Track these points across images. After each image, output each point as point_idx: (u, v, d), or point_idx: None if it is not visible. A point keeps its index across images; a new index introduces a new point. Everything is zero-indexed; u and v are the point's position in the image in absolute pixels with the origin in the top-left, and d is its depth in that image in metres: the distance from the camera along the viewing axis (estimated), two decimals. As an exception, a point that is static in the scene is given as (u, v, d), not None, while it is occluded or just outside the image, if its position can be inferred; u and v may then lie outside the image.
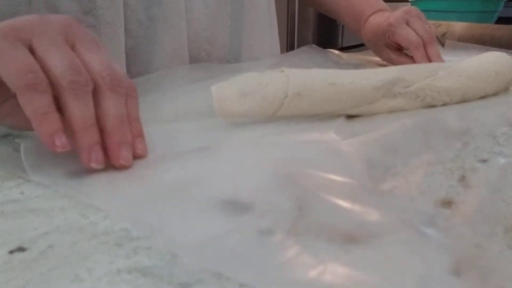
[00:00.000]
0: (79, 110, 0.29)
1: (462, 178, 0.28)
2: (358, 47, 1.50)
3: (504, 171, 0.29)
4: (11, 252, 0.21)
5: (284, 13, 1.50)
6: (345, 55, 0.76)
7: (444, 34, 0.82)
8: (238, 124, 0.39)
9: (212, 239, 0.22)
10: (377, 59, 0.69)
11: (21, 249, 0.21)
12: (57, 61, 0.29)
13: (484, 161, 0.30)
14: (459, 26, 0.82)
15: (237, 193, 0.26)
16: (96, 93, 0.30)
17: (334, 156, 0.32)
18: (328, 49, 0.76)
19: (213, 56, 0.63)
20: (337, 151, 0.32)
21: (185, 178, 0.28)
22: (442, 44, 0.76)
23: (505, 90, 0.49)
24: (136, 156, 0.31)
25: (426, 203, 0.25)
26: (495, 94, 0.48)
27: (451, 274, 0.19)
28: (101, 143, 0.29)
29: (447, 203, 0.25)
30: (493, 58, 0.48)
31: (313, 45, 0.75)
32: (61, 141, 0.28)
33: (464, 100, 0.45)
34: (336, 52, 0.77)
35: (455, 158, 0.31)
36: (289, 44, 1.51)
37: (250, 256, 0.21)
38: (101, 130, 0.30)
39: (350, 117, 0.40)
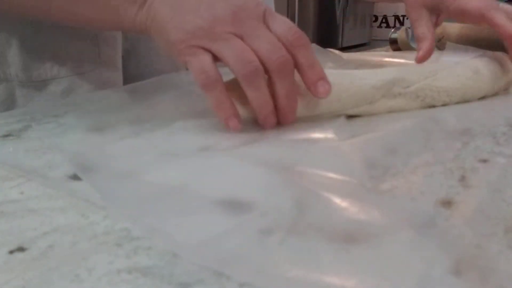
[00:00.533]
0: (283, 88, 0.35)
1: (462, 178, 0.28)
2: (358, 47, 1.50)
3: (504, 171, 0.29)
4: (11, 252, 0.21)
5: (284, 13, 1.51)
6: (345, 55, 0.76)
7: (440, 39, 0.82)
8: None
9: (212, 239, 0.22)
10: (377, 58, 0.69)
11: (21, 249, 0.21)
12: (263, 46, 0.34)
13: (484, 161, 0.30)
14: (453, 29, 0.82)
15: (237, 193, 0.26)
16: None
17: (334, 156, 0.32)
18: (328, 49, 0.76)
19: None
20: (337, 151, 0.32)
21: (185, 178, 0.28)
22: (441, 48, 0.76)
23: (505, 90, 0.49)
24: (320, 96, 0.36)
25: (426, 203, 0.25)
26: (495, 94, 0.48)
27: (451, 274, 0.19)
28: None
29: (447, 203, 0.25)
30: (492, 59, 0.48)
31: (313, 44, 0.75)
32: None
33: (464, 101, 0.45)
34: (336, 52, 0.77)
35: (455, 158, 0.31)
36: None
37: (250, 256, 0.21)
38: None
39: (350, 117, 0.40)
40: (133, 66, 0.57)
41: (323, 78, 0.36)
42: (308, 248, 0.21)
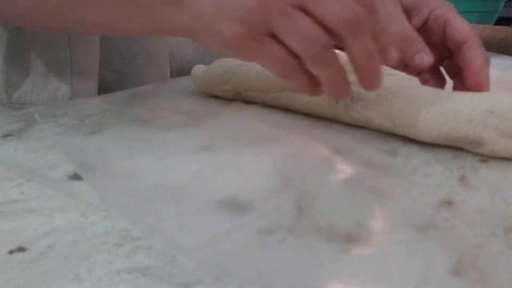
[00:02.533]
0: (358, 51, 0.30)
1: (462, 178, 0.28)
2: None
3: (504, 171, 0.29)
4: (11, 252, 0.21)
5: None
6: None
7: None
8: (238, 124, 0.39)
9: (212, 239, 0.22)
10: None
11: (21, 249, 0.21)
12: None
13: (484, 161, 0.30)
14: None
15: (237, 193, 0.26)
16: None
17: (334, 155, 0.32)
18: None
19: None
20: (337, 151, 0.32)
21: (185, 178, 0.29)
22: None
23: None
24: (387, 64, 0.32)
25: (426, 203, 0.25)
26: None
27: (451, 274, 0.19)
28: None
29: (447, 203, 0.25)
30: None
31: None
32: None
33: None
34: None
35: (455, 158, 0.31)
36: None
37: (250, 256, 0.21)
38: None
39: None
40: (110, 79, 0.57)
41: (377, 72, 0.31)
42: (308, 249, 0.21)
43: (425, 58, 0.36)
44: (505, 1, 1.23)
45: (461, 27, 0.39)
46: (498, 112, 0.30)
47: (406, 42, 0.37)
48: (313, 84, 0.32)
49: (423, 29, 0.41)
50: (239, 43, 0.30)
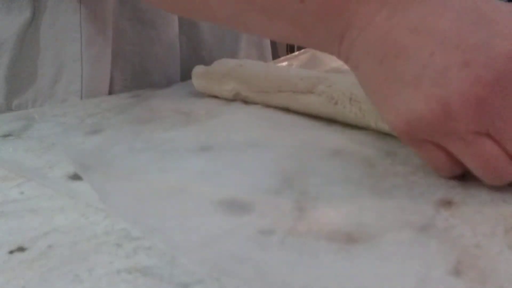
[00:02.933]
0: None
1: (462, 178, 0.28)
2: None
3: None
4: (11, 252, 0.21)
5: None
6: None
7: None
8: (238, 124, 0.39)
9: (212, 239, 0.22)
10: None
11: (21, 249, 0.21)
12: None
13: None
14: None
15: (237, 193, 0.26)
16: None
17: (334, 156, 0.32)
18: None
19: None
20: (337, 151, 0.32)
21: (185, 178, 0.28)
22: None
23: None
24: None
25: (426, 203, 0.25)
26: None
27: (451, 274, 0.19)
28: None
29: (447, 203, 0.25)
30: None
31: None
32: None
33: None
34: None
35: (455, 158, 0.31)
36: (288, 46, 1.51)
37: (250, 256, 0.21)
38: None
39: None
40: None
41: None
42: (308, 249, 0.21)
43: None
44: (505, 1, 1.23)
45: None
46: None
47: None
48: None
49: None
50: (397, 135, 0.27)
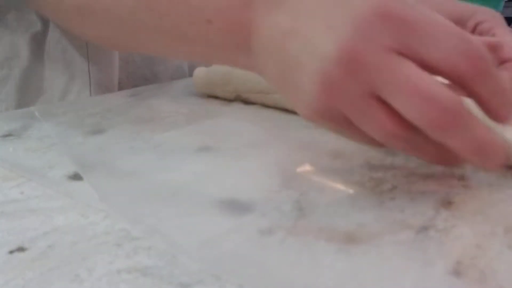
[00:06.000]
0: None
1: (462, 178, 0.28)
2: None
3: (504, 171, 0.29)
4: (11, 252, 0.21)
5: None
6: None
7: None
8: (238, 124, 0.39)
9: (212, 239, 0.22)
10: None
11: (21, 249, 0.21)
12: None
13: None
14: None
15: (237, 193, 0.26)
16: None
17: (334, 156, 0.32)
18: None
19: None
20: (337, 152, 0.32)
21: (185, 178, 0.29)
22: None
23: None
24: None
25: (426, 203, 0.25)
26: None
27: (451, 274, 0.19)
28: None
29: (447, 203, 0.25)
30: None
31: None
32: None
33: None
34: None
35: (455, 158, 0.31)
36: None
37: (250, 256, 0.21)
38: None
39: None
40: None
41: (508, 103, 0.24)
42: (308, 249, 0.21)
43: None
44: (505, 1, 1.23)
45: (509, 45, 0.33)
46: None
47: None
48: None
49: None
50: (311, 121, 0.26)
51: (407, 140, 0.23)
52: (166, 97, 0.48)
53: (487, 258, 0.20)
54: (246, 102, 0.45)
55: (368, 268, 0.20)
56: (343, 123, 0.25)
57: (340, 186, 0.27)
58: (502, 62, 0.33)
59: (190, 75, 0.59)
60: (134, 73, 0.54)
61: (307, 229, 0.23)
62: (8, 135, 0.36)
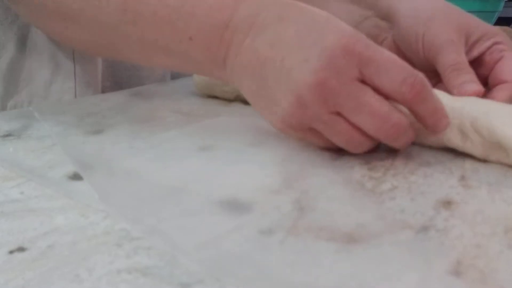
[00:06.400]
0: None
1: (462, 178, 0.28)
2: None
3: (504, 171, 0.29)
4: (11, 252, 0.21)
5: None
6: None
7: None
8: (238, 124, 0.39)
9: (212, 239, 0.22)
10: None
11: (21, 249, 0.21)
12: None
13: (484, 161, 0.30)
14: None
15: (237, 193, 0.26)
16: None
17: (334, 157, 0.32)
18: None
19: None
20: (337, 152, 0.32)
21: (185, 178, 0.28)
22: None
23: None
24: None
25: (426, 203, 0.25)
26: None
27: (451, 274, 0.19)
28: None
29: (447, 203, 0.25)
30: None
31: None
32: None
33: None
34: None
35: (455, 158, 0.31)
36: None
37: (250, 256, 0.21)
38: None
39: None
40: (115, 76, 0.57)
41: (445, 117, 0.30)
42: (308, 249, 0.21)
43: (472, 86, 0.35)
44: (505, 1, 1.23)
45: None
46: None
47: (456, 72, 0.36)
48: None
49: (477, 59, 0.39)
50: (281, 132, 0.32)
51: (365, 145, 0.30)
52: (166, 97, 0.48)
53: (487, 258, 0.20)
54: (246, 102, 0.45)
55: (368, 268, 0.20)
56: (310, 133, 0.31)
57: (340, 186, 0.27)
58: (501, 82, 0.37)
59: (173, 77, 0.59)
60: (115, 64, 0.55)
61: (307, 229, 0.23)
62: (8, 135, 0.36)
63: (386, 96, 0.28)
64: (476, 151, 0.30)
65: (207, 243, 0.22)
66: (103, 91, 0.54)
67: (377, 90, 0.28)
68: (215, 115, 0.42)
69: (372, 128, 0.29)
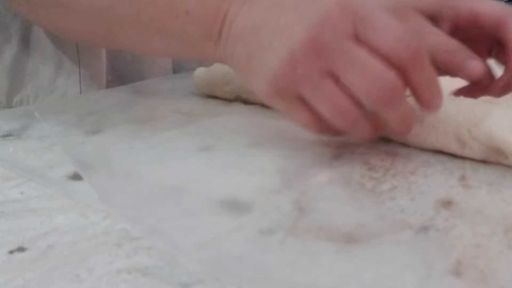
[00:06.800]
0: None
1: (462, 178, 0.28)
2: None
3: (504, 171, 0.29)
4: (11, 252, 0.21)
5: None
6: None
7: None
8: (238, 124, 0.39)
9: (212, 239, 0.22)
10: None
11: (21, 249, 0.21)
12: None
13: (484, 161, 0.30)
14: None
15: (237, 193, 0.26)
16: None
17: (334, 156, 0.32)
18: None
19: None
20: (337, 152, 0.32)
21: (185, 178, 0.28)
22: None
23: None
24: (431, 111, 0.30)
25: (426, 203, 0.25)
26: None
27: (451, 274, 0.19)
28: None
29: (447, 203, 0.25)
30: None
31: None
32: None
33: None
34: None
35: (455, 158, 0.31)
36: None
37: (250, 256, 0.21)
38: None
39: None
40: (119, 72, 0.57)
41: (439, 95, 0.29)
42: (308, 249, 0.21)
43: (476, 65, 0.32)
44: (505, 1, 1.23)
45: (489, 12, 0.35)
46: None
47: (448, 54, 0.33)
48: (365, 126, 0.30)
49: (457, 32, 0.36)
50: (268, 99, 0.31)
51: (351, 116, 0.28)
52: (166, 96, 0.48)
53: (487, 258, 0.20)
54: (246, 102, 0.45)
55: (368, 268, 0.20)
56: (296, 103, 0.29)
57: (340, 186, 0.27)
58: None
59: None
60: (117, 58, 0.55)
61: (307, 229, 0.23)
62: (8, 135, 0.36)
63: (383, 59, 0.27)
64: (475, 155, 0.30)
65: (207, 243, 0.22)
66: (106, 85, 0.54)
67: (372, 51, 0.27)
68: (215, 115, 0.42)
69: (363, 87, 0.27)
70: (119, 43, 0.42)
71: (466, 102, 0.32)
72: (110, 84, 0.55)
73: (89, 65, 0.51)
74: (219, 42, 0.32)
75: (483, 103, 0.33)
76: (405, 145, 0.33)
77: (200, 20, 0.32)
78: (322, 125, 0.30)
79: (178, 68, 0.62)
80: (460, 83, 0.36)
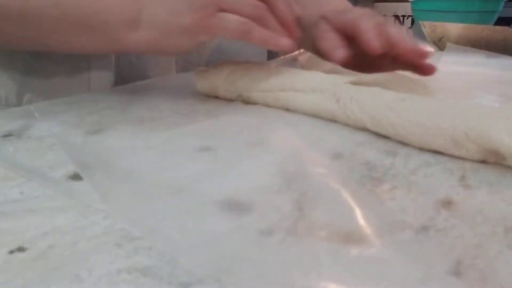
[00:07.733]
0: None
1: (462, 178, 0.28)
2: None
3: (504, 171, 0.29)
4: (11, 252, 0.21)
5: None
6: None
7: (440, 39, 0.82)
8: (238, 124, 0.39)
9: (212, 239, 0.22)
10: None
11: (21, 249, 0.21)
12: None
13: (484, 161, 0.30)
14: (454, 29, 0.82)
15: (237, 193, 0.26)
16: None
17: (334, 156, 0.32)
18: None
19: None
20: (337, 151, 0.32)
21: (185, 178, 0.28)
22: (441, 48, 0.76)
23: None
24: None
25: (426, 203, 0.25)
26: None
27: (451, 274, 0.19)
28: None
29: (447, 203, 0.25)
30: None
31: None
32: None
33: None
34: None
35: (455, 158, 0.31)
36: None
37: (250, 257, 0.21)
38: None
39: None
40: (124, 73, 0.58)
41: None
42: (308, 249, 0.21)
43: (284, 42, 0.42)
44: (505, 1, 1.23)
45: (345, 21, 0.46)
46: None
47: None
48: (268, 37, 0.41)
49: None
50: (201, 25, 0.40)
51: (247, 23, 0.40)
52: (166, 96, 0.48)
53: (487, 258, 0.20)
54: (246, 102, 0.45)
55: (368, 268, 0.20)
56: (219, 15, 0.40)
57: (340, 186, 0.27)
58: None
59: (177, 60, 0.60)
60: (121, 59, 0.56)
61: (307, 229, 0.23)
62: (8, 135, 0.36)
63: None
64: (473, 157, 0.30)
65: (207, 243, 0.22)
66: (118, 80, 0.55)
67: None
68: (215, 115, 0.42)
69: (247, 10, 0.40)
70: (50, 43, 0.44)
71: (462, 104, 0.33)
72: (114, 84, 0.55)
73: (98, 68, 0.52)
74: (142, 23, 0.40)
75: (480, 105, 0.33)
76: (405, 145, 0.33)
77: (120, 7, 0.40)
78: (245, 26, 0.40)
79: (181, 69, 0.63)
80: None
